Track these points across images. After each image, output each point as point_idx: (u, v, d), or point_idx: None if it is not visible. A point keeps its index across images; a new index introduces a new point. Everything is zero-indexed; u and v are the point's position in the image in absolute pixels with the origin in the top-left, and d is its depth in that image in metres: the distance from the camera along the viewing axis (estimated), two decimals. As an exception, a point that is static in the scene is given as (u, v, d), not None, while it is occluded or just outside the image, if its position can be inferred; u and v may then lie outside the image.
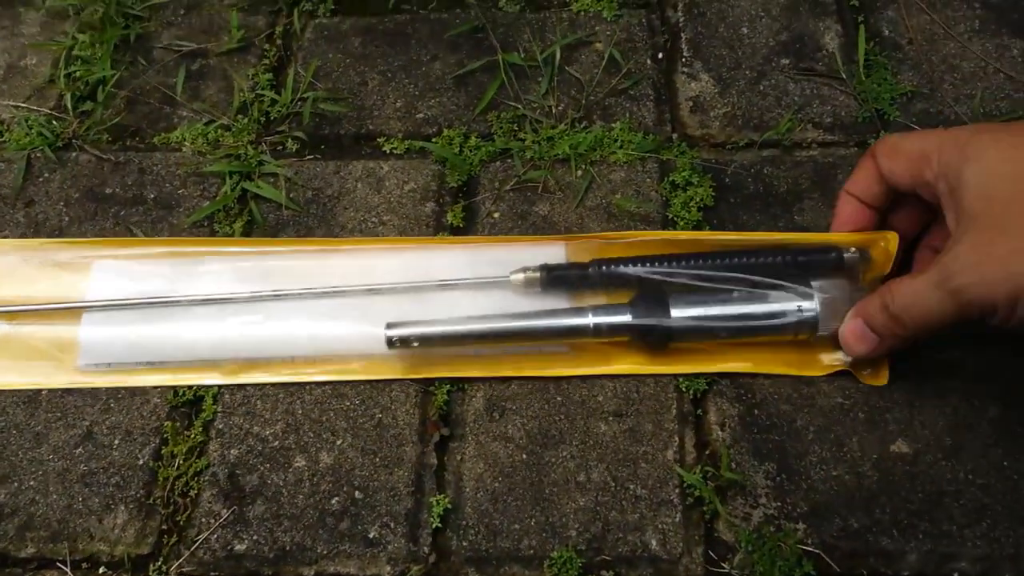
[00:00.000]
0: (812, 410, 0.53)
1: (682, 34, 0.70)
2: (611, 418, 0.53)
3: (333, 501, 0.51)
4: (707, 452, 0.52)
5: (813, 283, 0.52)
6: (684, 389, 0.54)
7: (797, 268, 0.54)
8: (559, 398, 0.54)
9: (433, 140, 0.65)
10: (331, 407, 0.54)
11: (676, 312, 0.52)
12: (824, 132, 0.64)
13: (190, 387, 0.55)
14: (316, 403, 0.54)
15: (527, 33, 0.70)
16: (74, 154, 0.66)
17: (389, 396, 0.55)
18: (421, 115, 0.66)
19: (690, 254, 0.55)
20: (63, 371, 0.56)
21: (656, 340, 0.53)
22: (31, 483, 0.52)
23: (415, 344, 0.53)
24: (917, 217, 0.53)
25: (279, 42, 0.72)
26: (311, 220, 0.61)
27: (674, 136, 0.65)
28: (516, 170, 0.63)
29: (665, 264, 0.55)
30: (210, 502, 0.51)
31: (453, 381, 0.55)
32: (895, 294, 0.47)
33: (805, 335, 0.53)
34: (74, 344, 0.56)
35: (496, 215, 0.61)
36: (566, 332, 0.54)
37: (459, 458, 0.53)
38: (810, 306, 0.52)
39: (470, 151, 0.64)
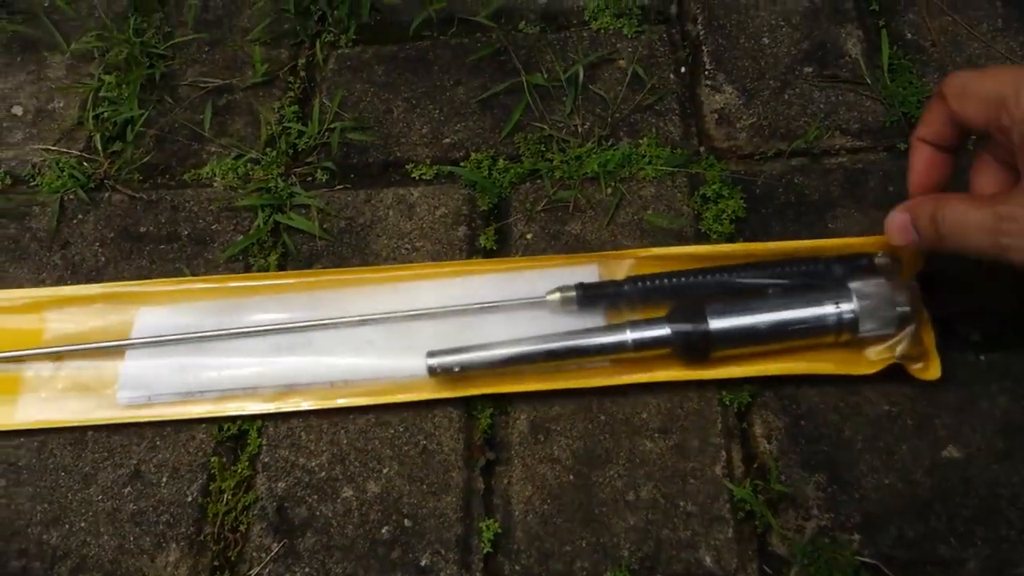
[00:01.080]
0: (859, 419, 0.53)
1: (703, 47, 0.70)
2: (656, 435, 0.53)
3: (383, 530, 0.51)
4: (755, 465, 0.52)
5: (850, 284, 0.52)
6: (728, 403, 0.54)
7: (831, 274, 0.54)
8: (603, 417, 0.54)
9: (461, 164, 0.65)
10: (375, 436, 0.54)
11: (714, 321, 0.52)
12: (852, 138, 0.64)
13: (233, 421, 0.55)
14: (360, 432, 0.54)
15: (549, 54, 0.70)
16: (106, 194, 0.67)
17: (432, 422, 0.55)
18: (448, 140, 0.67)
19: (724, 266, 0.55)
20: (105, 406, 0.56)
21: (696, 350, 0.53)
22: (82, 524, 0.53)
23: (456, 370, 0.53)
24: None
25: (303, 74, 0.72)
26: (345, 249, 0.62)
27: (701, 149, 0.65)
28: (546, 190, 0.63)
29: (700, 277, 0.55)
30: (260, 536, 0.51)
31: (496, 403, 0.55)
32: (947, 215, 0.45)
33: (846, 336, 0.52)
34: (116, 379, 0.57)
35: (529, 236, 0.61)
36: (605, 349, 0.53)
37: (506, 481, 0.53)
38: (849, 306, 0.52)
39: (499, 173, 0.64)
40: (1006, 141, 0.45)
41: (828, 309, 0.52)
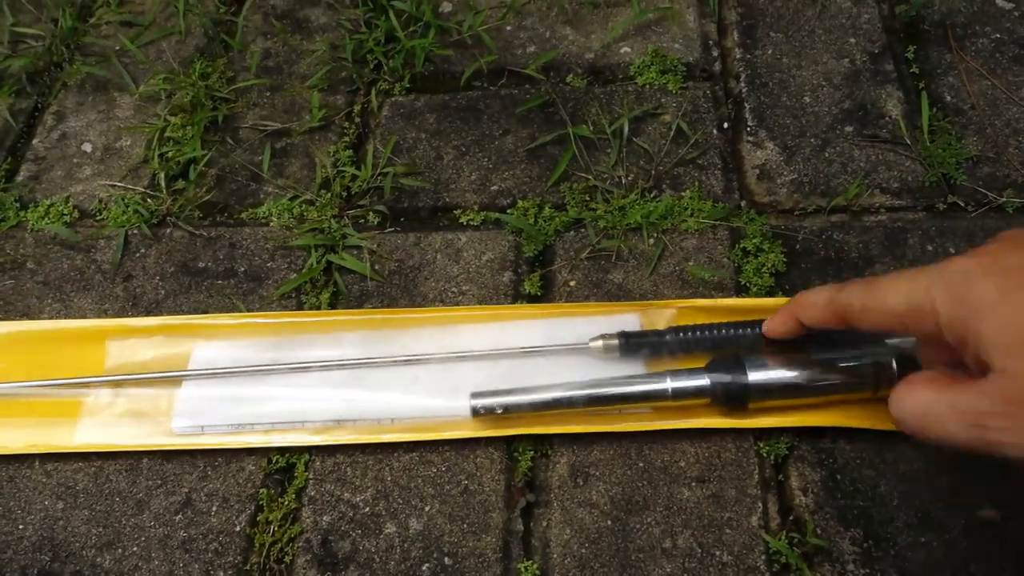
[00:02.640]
0: (895, 475, 0.53)
1: (746, 104, 0.72)
2: (694, 484, 0.54)
3: (424, 567, 0.52)
4: (791, 518, 0.53)
5: (888, 340, 0.53)
6: (765, 454, 0.55)
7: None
8: (641, 464, 0.55)
9: (508, 211, 0.67)
10: (418, 474, 0.56)
11: (753, 374, 0.53)
12: (892, 197, 0.65)
13: (282, 454, 0.57)
14: (404, 470, 0.56)
15: (595, 107, 0.73)
16: (168, 230, 0.70)
17: (474, 463, 0.56)
18: (496, 187, 0.69)
19: (764, 319, 0.56)
20: (160, 434, 0.58)
21: (735, 401, 0.54)
22: (134, 549, 0.55)
23: (499, 411, 0.55)
24: None
25: (358, 120, 0.75)
26: (394, 290, 0.64)
27: (742, 203, 0.66)
28: (590, 239, 0.65)
29: (740, 330, 0.56)
30: (305, 568, 0.53)
31: (536, 446, 0.56)
32: (910, 400, 0.43)
33: (885, 391, 0.53)
34: (171, 408, 0.59)
35: (572, 283, 0.63)
36: (646, 396, 0.55)
37: (545, 524, 0.54)
38: (888, 361, 0.52)
39: (544, 221, 0.66)
40: (934, 341, 0.44)
41: (866, 364, 0.53)
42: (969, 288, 0.40)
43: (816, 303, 0.49)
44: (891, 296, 0.44)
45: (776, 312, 0.52)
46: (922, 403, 0.42)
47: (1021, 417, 0.39)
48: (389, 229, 0.68)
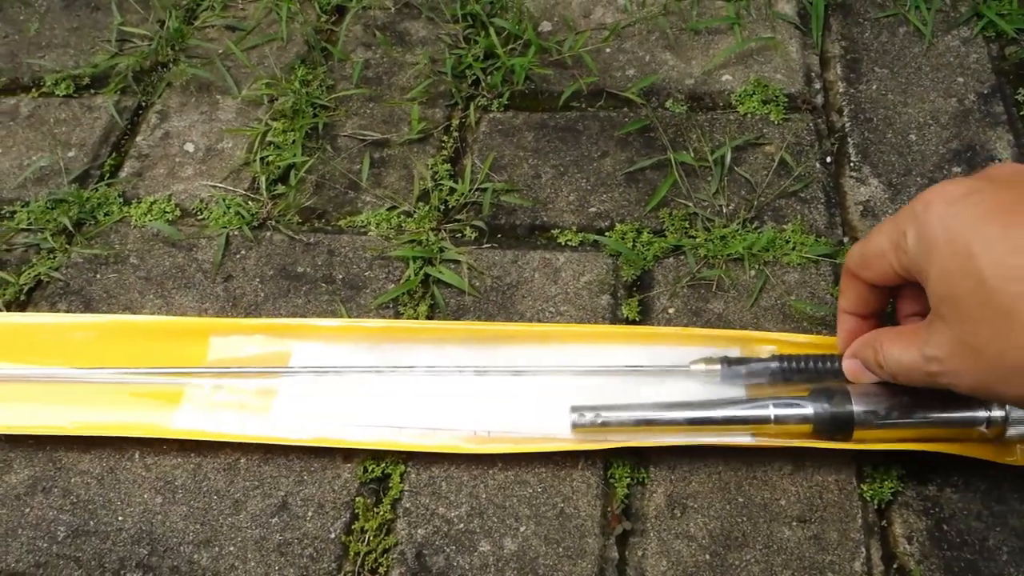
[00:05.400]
0: (1004, 529, 0.52)
1: (849, 139, 0.71)
2: (795, 523, 0.53)
3: (518, 588, 0.52)
4: (895, 566, 0.52)
5: None
6: (868, 498, 0.54)
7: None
8: (741, 499, 0.54)
9: (607, 234, 0.67)
10: (514, 493, 0.56)
11: (858, 405, 0.52)
12: (1001, 242, 0.64)
13: (377, 463, 0.57)
14: (499, 488, 0.56)
15: (695, 133, 0.72)
16: (268, 233, 0.71)
17: (571, 486, 0.56)
18: (594, 209, 0.69)
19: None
20: (256, 425, 0.59)
21: (839, 431, 0.53)
22: (231, 548, 0.55)
23: (599, 424, 0.55)
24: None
25: (456, 134, 0.76)
26: (491, 307, 0.64)
27: (845, 240, 0.65)
28: (690, 267, 0.64)
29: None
30: (399, 580, 0.53)
31: (633, 473, 0.56)
32: (886, 356, 0.47)
33: (993, 431, 0.52)
34: (270, 403, 0.59)
35: (671, 310, 0.63)
36: (747, 421, 0.54)
37: (640, 554, 0.53)
38: (999, 412, 0.51)
39: (643, 246, 0.66)
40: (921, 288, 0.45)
41: (978, 411, 0.51)
42: (928, 224, 0.41)
43: (840, 285, 0.52)
44: (877, 237, 0.46)
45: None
46: (896, 358, 0.46)
47: (957, 363, 0.41)
48: (486, 245, 0.68)
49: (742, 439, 0.55)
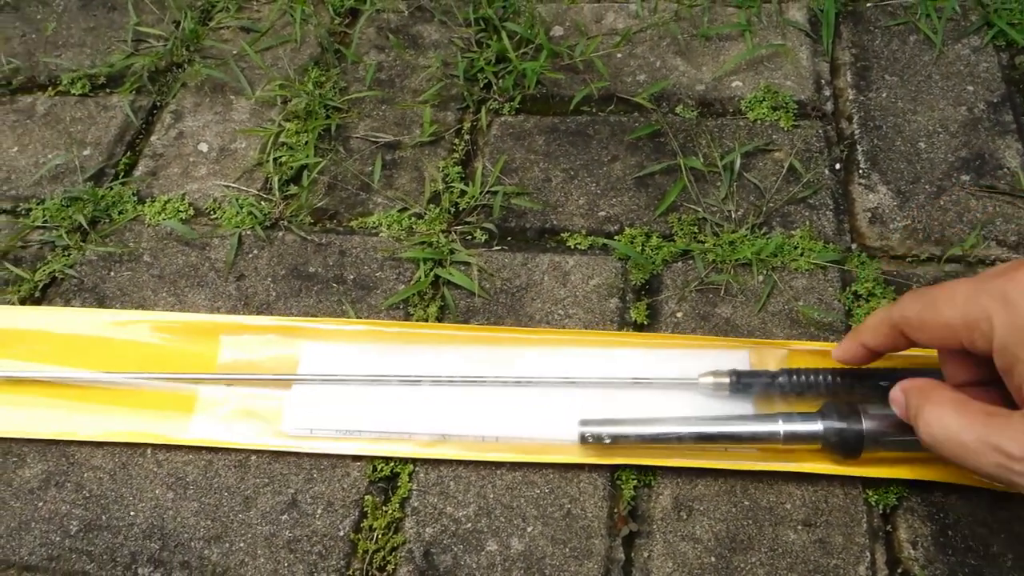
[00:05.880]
0: (1009, 535, 0.52)
1: (858, 146, 0.71)
2: (800, 527, 0.54)
3: (525, 588, 0.53)
4: (900, 570, 0.52)
5: None
6: (874, 503, 0.54)
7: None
8: (747, 502, 0.55)
9: (616, 238, 0.68)
10: (521, 494, 0.56)
11: (869, 423, 0.53)
12: (1009, 250, 0.64)
13: (386, 462, 0.58)
14: (507, 488, 0.57)
15: (705, 139, 0.73)
16: (280, 233, 0.71)
17: (577, 487, 0.56)
18: (603, 213, 0.70)
19: (882, 369, 0.56)
20: (269, 434, 0.59)
21: (848, 449, 0.53)
22: (240, 544, 0.56)
23: (607, 441, 0.55)
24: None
25: (467, 137, 0.76)
26: (500, 308, 0.65)
27: (853, 246, 0.66)
28: (698, 272, 0.65)
29: (855, 379, 0.55)
30: (406, 578, 0.54)
31: (640, 476, 0.56)
32: (939, 421, 0.43)
33: None
34: (281, 409, 0.60)
35: (679, 314, 0.63)
36: (756, 438, 0.54)
37: (646, 555, 0.54)
38: None
39: (652, 250, 0.66)
40: (978, 359, 0.43)
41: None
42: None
43: (876, 323, 0.49)
44: (947, 309, 0.43)
45: (843, 339, 0.52)
46: (953, 431, 0.42)
47: None
48: (496, 247, 0.69)
49: (749, 463, 0.55)
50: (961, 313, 0.42)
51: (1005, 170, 0.68)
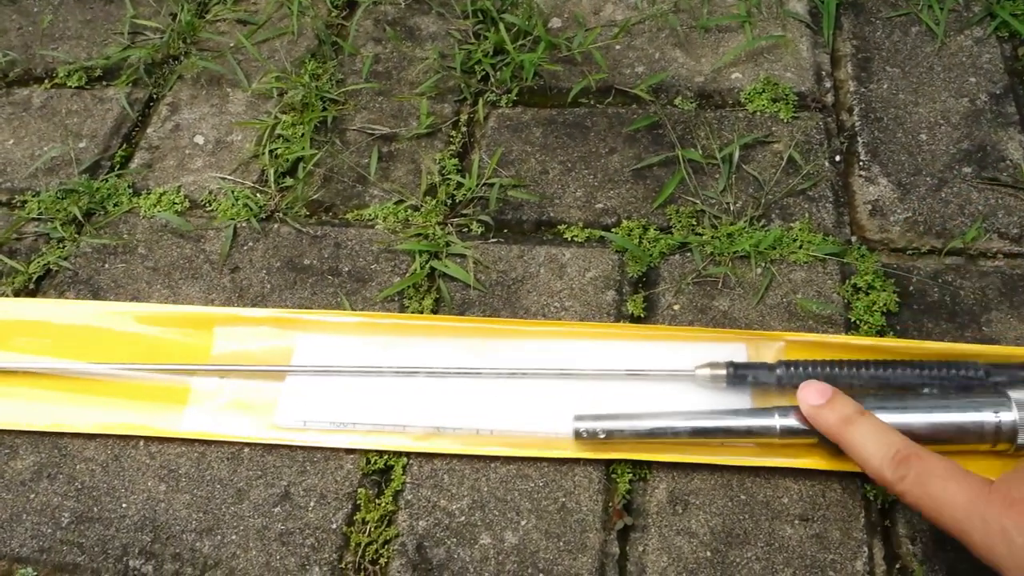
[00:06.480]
0: (1009, 531, 0.51)
1: (859, 138, 0.71)
2: (797, 522, 0.53)
3: (518, 582, 0.52)
4: (898, 566, 0.51)
5: (1011, 393, 0.51)
6: (872, 498, 0.53)
7: (989, 381, 0.53)
8: (743, 496, 0.54)
9: (613, 230, 0.67)
10: (515, 487, 0.56)
11: None
12: (1011, 243, 0.63)
13: (380, 455, 0.58)
14: (501, 482, 0.56)
15: (704, 131, 0.72)
16: (276, 225, 0.71)
17: (572, 481, 0.56)
18: (600, 205, 0.69)
19: (878, 361, 0.55)
20: (262, 426, 0.59)
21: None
22: (233, 537, 0.55)
23: (601, 436, 0.55)
24: None
25: (464, 129, 0.76)
26: (496, 301, 0.64)
27: (853, 239, 0.65)
28: (696, 264, 0.64)
29: (854, 369, 0.55)
30: (399, 572, 0.53)
31: (635, 470, 0.56)
32: (940, 487, 0.45)
33: (1004, 446, 0.51)
34: (275, 401, 0.60)
35: (676, 307, 0.62)
36: (752, 432, 0.54)
37: (641, 549, 0.53)
38: (1009, 416, 0.51)
39: (649, 243, 0.66)
40: None
41: (987, 416, 0.51)
42: None
43: (869, 459, 0.48)
44: (946, 506, 0.44)
45: (824, 405, 0.51)
46: (944, 497, 0.44)
47: None
48: (492, 240, 0.68)
49: (745, 458, 0.55)
50: (962, 515, 0.43)
51: (1007, 162, 0.68)
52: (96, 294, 0.68)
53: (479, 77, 0.79)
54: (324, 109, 0.78)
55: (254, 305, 0.66)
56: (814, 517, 0.53)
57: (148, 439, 0.60)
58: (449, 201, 0.71)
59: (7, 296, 0.68)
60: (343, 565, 0.54)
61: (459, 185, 0.71)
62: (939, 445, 0.52)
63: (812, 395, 0.51)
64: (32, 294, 0.69)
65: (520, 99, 0.78)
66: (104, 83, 0.85)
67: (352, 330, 0.62)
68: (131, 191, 0.75)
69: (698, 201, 0.68)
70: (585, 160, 0.72)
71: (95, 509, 0.57)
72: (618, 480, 0.56)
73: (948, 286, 0.62)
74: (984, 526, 0.42)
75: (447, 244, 0.67)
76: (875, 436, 0.48)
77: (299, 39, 0.85)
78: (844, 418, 0.49)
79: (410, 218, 0.70)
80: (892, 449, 0.47)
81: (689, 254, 0.65)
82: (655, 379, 0.58)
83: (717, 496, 0.54)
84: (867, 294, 0.61)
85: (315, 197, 0.73)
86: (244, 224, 0.71)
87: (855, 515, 0.53)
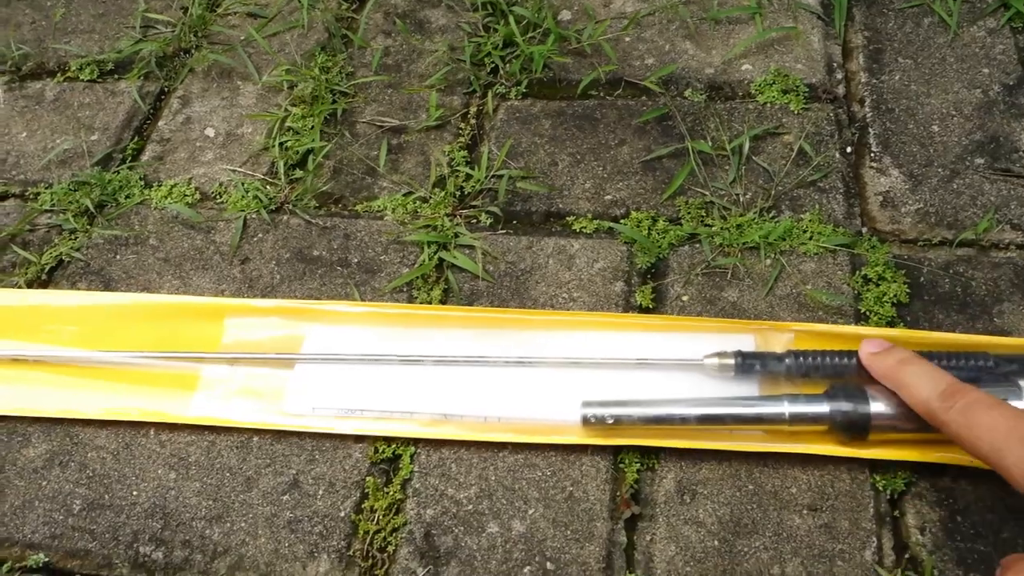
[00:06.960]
0: (1020, 521, 0.51)
1: (870, 129, 0.70)
2: (805, 511, 0.53)
3: (525, 570, 0.52)
4: (907, 556, 0.51)
5: (1021, 382, 0.51)
6: (881, 488, 0.53)
7: (1000, 371, 0.53)
8: (751, 486, 0.54)
9: (622, 221, 0.67)
10: (523, 476, 0.56)
11: (876, 405, 0.52)
12: (1023, 234, 0.63)
13: (388, 443, 0.58)
14: (509, 470, 0.56)
15: (714, 122, 0.72)
16: (285, 217, 0.71)
17: (580, 470, 0.56)
18: (609, 196, 0.69)
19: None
20: (271, 412, 0.59)
21: (855, 431, 0.52)
22: (242, 524, 0.56)
23: (609, 422, 0.55)
24: None
25: (473, 121, 0.76)
26: (504, 292, 0.64)
27: (864, 230, 0.65)
28: (705, 255, 0.64)
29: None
30: (407, 559, 0.53)
31: (643, 459, 0.56)
32: (979, 417, 0.46)
33: None
34: (283, 388, 0.60)
35: (685, 298, 0.62)
36: (761, 419, 0.54)
37: (649, 538, 0.53)
38: (1019, 405, 0.50)
39: (658, 234, 0.66)
40: None
41: (998, 403, 0.51)
42: None
43: (920, 392, 0.49)
44: (988, 431, 0.45)
45: (882, 352, 0.52)
46: (981, 423, 0.45)
47: None
48: (501, 231, 0.68)
49: (754, 444, 0.54)
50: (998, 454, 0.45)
51: (1020, 153, 0.67)
52: (107, 285, 0.69)
53: (488, 69, 0.79)
54: (334, 102, 0.78)
55: (264, 296, 0.66)
56: (823, 507, 0.53)
57: (158, 427, 0.60)
58: (458, 193, 0.71)
59: (19, 287, 0.69)
60: (351, 552, 0.54)
61: (468, 177, 0.71)
62: (947, 455, 0.52)
63: (871, 345, 0.53)
64: (44, 285, 0.70)
65: (529, 91, 0.78)
66: (116, 76, 0.85)
67: (361, 320, 0.63)
68: (142, 183, 0.76)
69: (707, 192, 0.68)
70: (594, 152, 0.72)
71: (106, 496, 0.58)
72: (626, 469, 0.56)
73: (959, 277, 0.61)
74: (1022, 446, 0.44)
75: (456, 235, 0.68)
76: (928, 374, 0.50)
77: (309, 32, 0.86)
78: (901, 360, 0.51)
79: (419, 210, 0.70)
80: (943, 384, 0.49)
81: (698, 245, 0.65)
82: (663, 368, 0.58)
83: (725, 486, 0.54)
84: (877, 285, 0.61)
85: (325, 189, 0.73)
86: (254, 216, 0.71)
87: (864, 505, 0.53)
